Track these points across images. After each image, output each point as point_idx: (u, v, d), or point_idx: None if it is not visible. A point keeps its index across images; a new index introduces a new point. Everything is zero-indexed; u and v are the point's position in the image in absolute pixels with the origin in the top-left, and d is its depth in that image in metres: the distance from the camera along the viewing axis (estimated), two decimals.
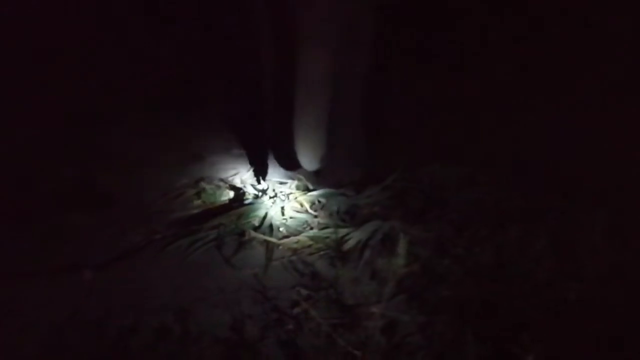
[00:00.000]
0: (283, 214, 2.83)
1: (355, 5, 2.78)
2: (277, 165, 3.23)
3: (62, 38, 4.34)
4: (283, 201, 2.92)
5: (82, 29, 4.53)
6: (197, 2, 4.72)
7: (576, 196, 2.87)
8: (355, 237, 2.57)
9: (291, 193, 3.02)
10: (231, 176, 3.28)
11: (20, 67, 4.09)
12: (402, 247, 2.15)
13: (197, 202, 3.03)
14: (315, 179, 3.12)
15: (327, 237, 2.61)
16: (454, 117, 3.79)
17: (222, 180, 3.23)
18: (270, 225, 2.73)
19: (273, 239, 2.61)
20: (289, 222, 2.78)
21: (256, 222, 2.75)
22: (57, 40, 4.32)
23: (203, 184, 3.16)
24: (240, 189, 3.10)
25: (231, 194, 3.08)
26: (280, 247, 2.59)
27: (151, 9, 4.71)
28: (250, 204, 2.91)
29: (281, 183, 3.13)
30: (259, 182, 3.14)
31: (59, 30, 4.37)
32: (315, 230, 2.68)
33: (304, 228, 2.73)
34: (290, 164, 3.12)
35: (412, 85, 4.05)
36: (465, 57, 4.26)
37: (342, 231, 2.63)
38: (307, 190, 3.02)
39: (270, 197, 2.95)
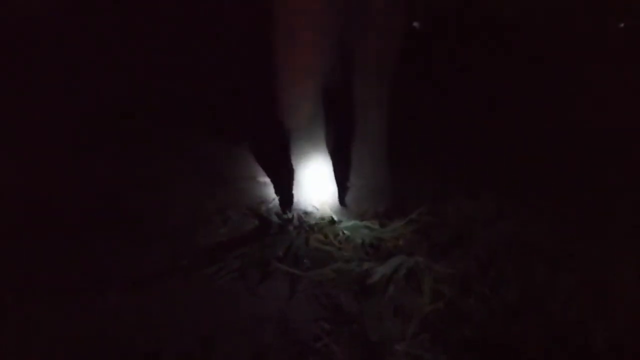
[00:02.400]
0: (307, 245, 2.84)
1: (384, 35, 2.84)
2: (303, 195, 3.24)
3: (86, 50, 4.41)
4: (308, 232, 2.93)
5: (107, 41, 4.63)
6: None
7: (608, 235, 2.83)
8: (379, 271, 2.55)
9: (316, 224, 3.02)
10: (257, 204, 3.30)
11: (48, 76, 4.17)
12: (426, 285, 2.14)
13: (223, 229, 3.07)
14: (341, 210, 3.13)
15: (351, 271, 2.60)
16: (482, 148, 3.79)
17: (247, 208, 3.26)
18: (295, 256, 2.74)
19: (297, 271, 2.61)
20: (314, 253, 2.78)
21: (281, 253, 2.76)
22: (79, 52, 4.39)
23: (229, 212, 3.19)
24: (265, 218, 3.12)
25: (256, 222, 3.10)
26: (304, 279, 2.59)
27: (180, 25, 4.80)
28: (275, 234, 2.92)
29: (306, 213, 3.14)
30: (284, 212, 3.16)
31: (82, 43, 4.46)
32: (339, 263, 2.67)
33: (328, 260, 2.73)
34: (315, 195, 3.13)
35: (438, 116, 4.07)
36: (494, 90, 4.26)
37: (367, 265, 2.62)
38: (332, 222, 3.02)
39: (295, 228, 2.96)
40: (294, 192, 3.21)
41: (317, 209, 3.15)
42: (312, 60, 2.73)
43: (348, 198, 3.16)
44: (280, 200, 3.32)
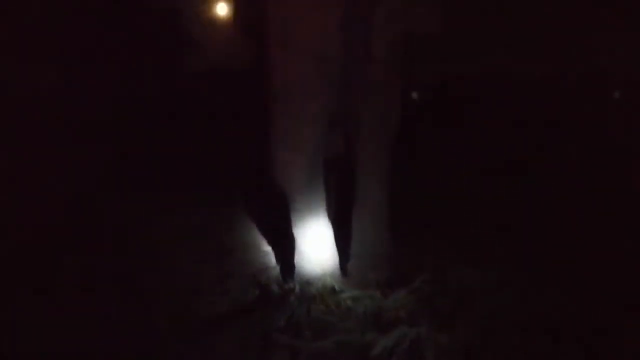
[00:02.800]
0: (309, 315, 2.81)
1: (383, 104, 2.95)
2: (304, 264, 3.24)
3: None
4: (309, 302, 2.91)
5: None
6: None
7: (611, 306, 2.81)
8: (381, 343, 2.52)
9: (318, 293, 3.00)
10: (258, 273, 3.29)
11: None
12: (429, 357, 2.11)
13: (223, 298, 3.05)
14: (342, 279, 3.12)
15: (353, 342, 2.57)
16: (484, 218, 3.81)
17: (248, 277, 3.24)
18: (296, 327, 2.71)
19: (298, 343, 2.58)
20: (315, 324, 2.75)
21: (282, 323, 2.73)
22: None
23: (229, 281, 3.18)
24: (266, 287, 3.10)
25: (257, 292, 3.08)
26: (305, 351, 2.55)
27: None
28: (275, 303, 2.90)
29: (308, 283, 3.13)
30: (285, 281, 3.15)
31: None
32: (341, 335, 2.64)
33: (330, 331, 2.70)
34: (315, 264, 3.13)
35: (439, 184, 4.11)
36: (496, 158, 4.32)
37: (369, 336, 2.59)
38: (334, 291, 3.01)
39: (296, 297, 2.94)
40: (295, 260, 3.21)
41: (319, 278, 3.14)
42: (312, 128, 2.81)
43: (350, 266, 3.15)
44: (281, 268, 3.31)
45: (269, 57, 2.79)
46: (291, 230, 3.15)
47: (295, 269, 3.20)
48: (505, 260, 3.30)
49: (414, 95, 3.82)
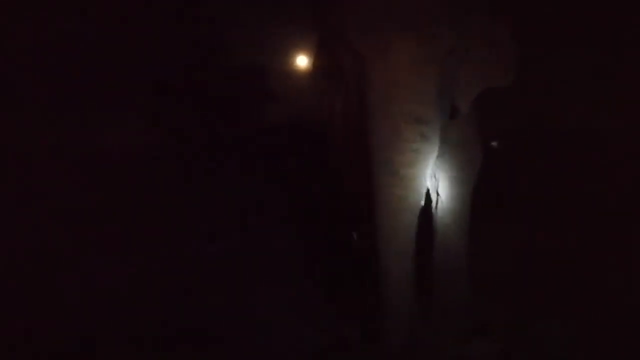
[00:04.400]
0: None
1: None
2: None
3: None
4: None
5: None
6: None
7: None
8: None
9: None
10: None
11: None
12: None
13: None
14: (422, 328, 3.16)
15: None
16: (568, 267, 3.73)
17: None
18: None
19: None
20: None
21: None
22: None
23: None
24: None
25: None
26: None
27: None
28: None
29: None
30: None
31: None
32: None
33: None
34: None
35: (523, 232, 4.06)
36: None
37: None
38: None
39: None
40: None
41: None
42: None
43: (429, 314, 3.20)
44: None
45: (353, 112, 2.90)
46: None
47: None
48: (589, 313, 3.25)
49: (494, 148, 3.84)
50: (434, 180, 3.08)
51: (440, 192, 3.11)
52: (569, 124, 4.24)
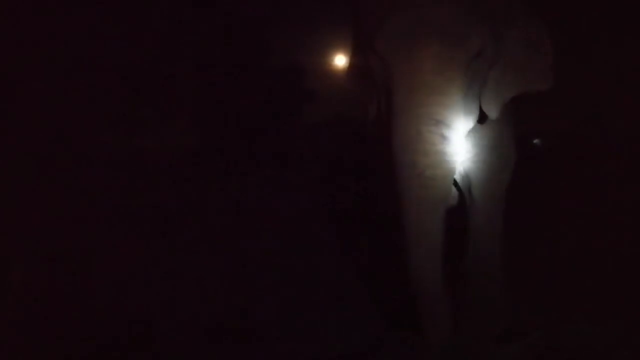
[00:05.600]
0: None
1: None
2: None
3: None
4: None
5: None
6: None
7: None
8: None
9: None
10: None
11: None
12: None
13: None
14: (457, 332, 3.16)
15: None
16: (605, 269, 3.67)
17: None
18: None
19: None
20: None
21: None
22: None
23: None
24: None
25: None
26: None
27: None
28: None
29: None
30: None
31: None
32: None
33: None
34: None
35: (557, 234, 4.01)
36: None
37: None
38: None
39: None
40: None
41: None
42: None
43: (464, 318, 3.20)
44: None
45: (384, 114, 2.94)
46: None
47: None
48: (625, 316, 3.19)
49: (528, 152, 3.78)
50: (467, 182, 3.08)
51: (473, 193, 3.11)
52: (606, 127, 4.13)
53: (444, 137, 2.54)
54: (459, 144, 2.62)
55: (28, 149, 4.57)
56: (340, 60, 5.57)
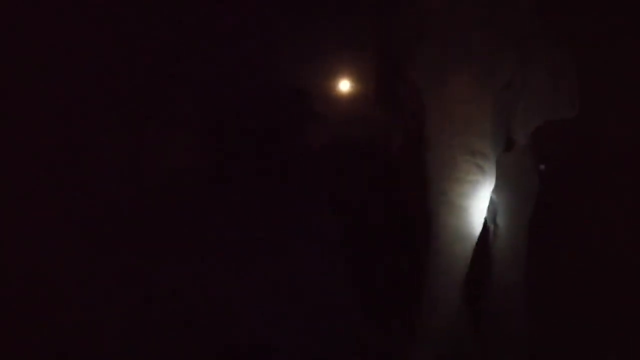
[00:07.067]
0: None
1: None
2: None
3: None
4: None
5: None
6: None
7: None
8: None
9: None
10: None
11: None
12: None
13: None
14: None
15: None
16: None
17: None
18: None
19: None
20: None
21: None
22: None
23: None
24: None
25: None
26: None
27: None
28: None
29: None
30: None
31: None
32: None
33: None
34: None
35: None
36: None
37: None
38: None
39: None
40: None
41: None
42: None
43: (487, 347, 3.15)
44: None
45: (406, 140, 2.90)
46: None
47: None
48: None
49: (552, 177, 3.75)
50: (491, 212, 3.04)
51: (498, 223, 3.08)
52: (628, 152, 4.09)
53: (478, 167, 2.52)
54: (490, 174, 2.59)
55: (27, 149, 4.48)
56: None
